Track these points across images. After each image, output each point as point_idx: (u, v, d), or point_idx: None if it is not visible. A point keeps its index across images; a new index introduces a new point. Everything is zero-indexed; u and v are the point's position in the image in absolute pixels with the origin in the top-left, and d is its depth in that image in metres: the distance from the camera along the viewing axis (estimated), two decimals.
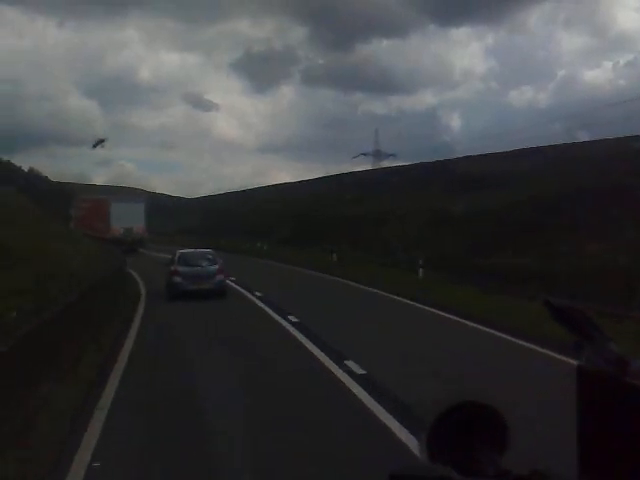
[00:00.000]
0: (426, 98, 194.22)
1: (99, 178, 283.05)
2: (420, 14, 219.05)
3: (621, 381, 0.95)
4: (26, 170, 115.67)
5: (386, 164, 70.20)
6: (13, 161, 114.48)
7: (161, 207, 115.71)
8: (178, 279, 19.05)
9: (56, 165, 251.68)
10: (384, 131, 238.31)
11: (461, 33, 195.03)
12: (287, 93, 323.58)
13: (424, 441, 1.08)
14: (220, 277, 19.54)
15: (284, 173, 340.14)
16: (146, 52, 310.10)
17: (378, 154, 73.32)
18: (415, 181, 45.54)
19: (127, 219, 37.28)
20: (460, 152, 70.01)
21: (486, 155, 46.26)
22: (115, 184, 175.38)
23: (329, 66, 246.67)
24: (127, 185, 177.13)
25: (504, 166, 39.08)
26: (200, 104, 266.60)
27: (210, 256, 20.53)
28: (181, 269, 19.24)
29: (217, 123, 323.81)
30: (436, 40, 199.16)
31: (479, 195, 33.72)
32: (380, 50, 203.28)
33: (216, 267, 19.68)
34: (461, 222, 31.45)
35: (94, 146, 41.48)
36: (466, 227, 30.22)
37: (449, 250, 27.78)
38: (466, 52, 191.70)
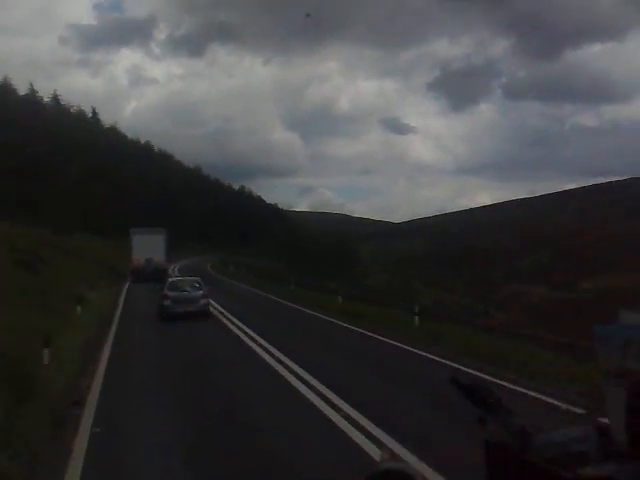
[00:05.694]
0: None
1: (301, 205, 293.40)
2: None
3: (522, 456, 0.94)
4: (236, 188, 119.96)
5: None
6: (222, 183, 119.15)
7: (367, 233, 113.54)
8: (167, 302, 21.94)
9: (263, 195, 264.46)
10: (596, 146, 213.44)
11: None
12: (486, 110, 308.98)
13: None
14: (204, 301, 22.56)
15: (484, 195, 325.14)
16: (344, 82, 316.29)
17: None
18: None
19: (147, 250, 40.63)
20: None
21: None
22: (315, 210, 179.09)
23: (533, 77, 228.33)
24: (326, 211, 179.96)
25: None
26: (396, 128, 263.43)
27: (196, 283, 23.40)
28: (170, 293, 22.23)
29: (413, 146, 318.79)
30: None
31: None
32: (591, 56, 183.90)
33: (201, 292, 22.69)
34: None
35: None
36: None
37: None
38: None
